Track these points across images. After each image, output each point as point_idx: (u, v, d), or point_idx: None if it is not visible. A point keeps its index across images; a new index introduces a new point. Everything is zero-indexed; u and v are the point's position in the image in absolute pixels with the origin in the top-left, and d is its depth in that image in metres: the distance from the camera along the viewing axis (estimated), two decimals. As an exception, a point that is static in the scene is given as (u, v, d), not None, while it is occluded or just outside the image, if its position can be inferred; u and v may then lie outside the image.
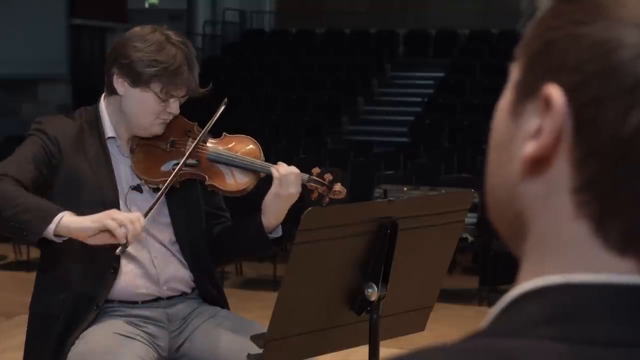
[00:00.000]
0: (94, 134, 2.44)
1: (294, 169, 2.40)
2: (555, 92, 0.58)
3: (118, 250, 2.21)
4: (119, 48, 2.41)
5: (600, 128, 0.56)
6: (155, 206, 2.36)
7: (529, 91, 0.61)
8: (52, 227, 2.16)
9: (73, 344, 2.35)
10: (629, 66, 0.55)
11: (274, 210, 2.42)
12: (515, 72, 0.63)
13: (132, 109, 2.41)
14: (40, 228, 2.17)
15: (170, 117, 2.43)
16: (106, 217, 2.16)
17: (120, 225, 2.15)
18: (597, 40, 0.57)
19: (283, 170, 2.39)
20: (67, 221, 2.17)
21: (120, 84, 2.40)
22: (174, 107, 2.40)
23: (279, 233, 2.47)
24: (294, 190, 2.39)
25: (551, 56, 0.59)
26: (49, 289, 2.43)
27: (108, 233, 2.16)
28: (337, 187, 2.47)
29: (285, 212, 2.43)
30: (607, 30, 0.56)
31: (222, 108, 2.47)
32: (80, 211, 2.33)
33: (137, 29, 2.45)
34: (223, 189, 2.47)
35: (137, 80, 2.37)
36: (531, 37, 0.62)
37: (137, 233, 2.18)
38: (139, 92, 2.38)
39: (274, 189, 2.39)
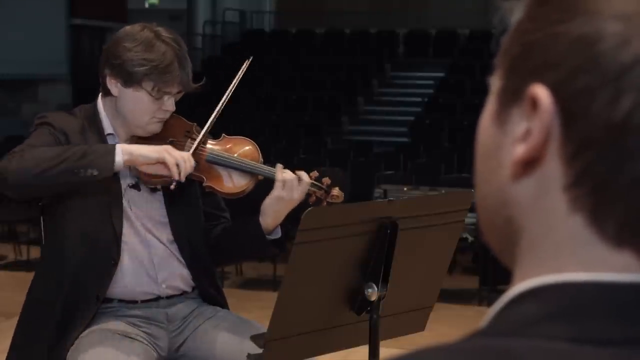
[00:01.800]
0: (93, 131, 2.44)
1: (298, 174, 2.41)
2: (540, 91, 0.58)
3: (172, 186, 2.34)
4: (110, 48, 2.41)
5: (590, 119, 0.56)
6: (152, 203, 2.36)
7: (513, 97, 0.61)
8: (119, 156, 2.26)
9: (77, 338, 2.35)
10: (612, 55, 0.56)
11: (273, 212, 2.42)
12: (495, 82, 0.64)
13: (127, 109, 2.41)
14: (109, 162, 2.25)
15: (167, 115, 2.43)
16: (164, 151, 2.31)
17: (176, 162, 2.29)
18: (577, 35, 0.57)
19: (288, 176, 2.39)
20: (128, 147, 2.30)
21: (113, 84, 2.40)
22: (169, 104, 2.40)
23: (278, 234, 2.47)
24: (297, 196, 2.39)
25: (532, 58, 0.59)
26: (47, 274, 2.43)
27: (163, 165, 2.31)
28: (335, 191, 2.47)
29: (285, 215, 2.43)
30: (586, 25, 0.57)
31: (245, 65, 2.50)
32: (86, 203, 2.35)
33: (127, 28, 2.45)
34: (221, 190, 2.47)
35: (129, 80, 2.37)
36: (509, 44, 0.62)
37: (187, 172, 2.32)
38: (132, 92, 2.38)
39: (276, 192, 2.39)
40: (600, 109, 0.56)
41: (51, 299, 2.39)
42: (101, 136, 2.44)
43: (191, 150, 2.40)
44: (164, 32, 2.41)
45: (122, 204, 2.40)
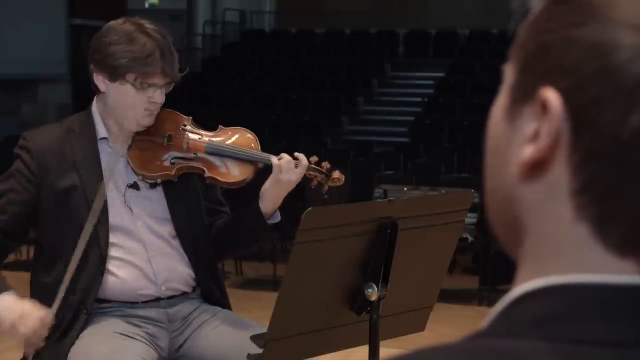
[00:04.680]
0: (84, 137, 2.44)
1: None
2: (552, 96, 0.57)
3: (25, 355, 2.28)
4: (93, 44, 2.42)
5: (599, 130, 0.56)
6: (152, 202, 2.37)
7: (524, 95, 0.60)
8: None
9: (73, 344, 2.35)
10: (627, 68, 0.55)
11: (271, 196, 2.43)
12: (509, 73, 0.63)
13: (115, 103, 2.41)
14: None
15: (157, 107, 2.42)
16: (11, 327, 2.23)
17: (24, 339, 2.23)
18: (593, 42, 0.56)
19: (284, 158, 2.40)
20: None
21: (100, 80, 2.40)
22: (157, 96, 2.39)
23: (277, 218, 2.49)
24: (294, 178, 2.41)
25: (546, 59, 0.59)
26: (41, 295, 2.42)
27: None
28: (336, 174, 2.49)
29: (283, 197, 2.44)
30: (602, 32, 0.56)
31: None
32: (69, 217, 2.34)
33: (110, 22, 2.46)
34: (222, 180, 2.48)
35: (114, 74, 2.37)
36: (525, 38, 0.62)
37: (40, 340, 2.24)
38: (118, 86, 2.38)
39: (274, 175, 2.41)
40: (609, 122, 0.55)
41: (47, 302, 2.39)
42: (93, 142, 2.44)
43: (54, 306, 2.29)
44: (146, 24, 2.42)
45: (108, 215, 2.40)
